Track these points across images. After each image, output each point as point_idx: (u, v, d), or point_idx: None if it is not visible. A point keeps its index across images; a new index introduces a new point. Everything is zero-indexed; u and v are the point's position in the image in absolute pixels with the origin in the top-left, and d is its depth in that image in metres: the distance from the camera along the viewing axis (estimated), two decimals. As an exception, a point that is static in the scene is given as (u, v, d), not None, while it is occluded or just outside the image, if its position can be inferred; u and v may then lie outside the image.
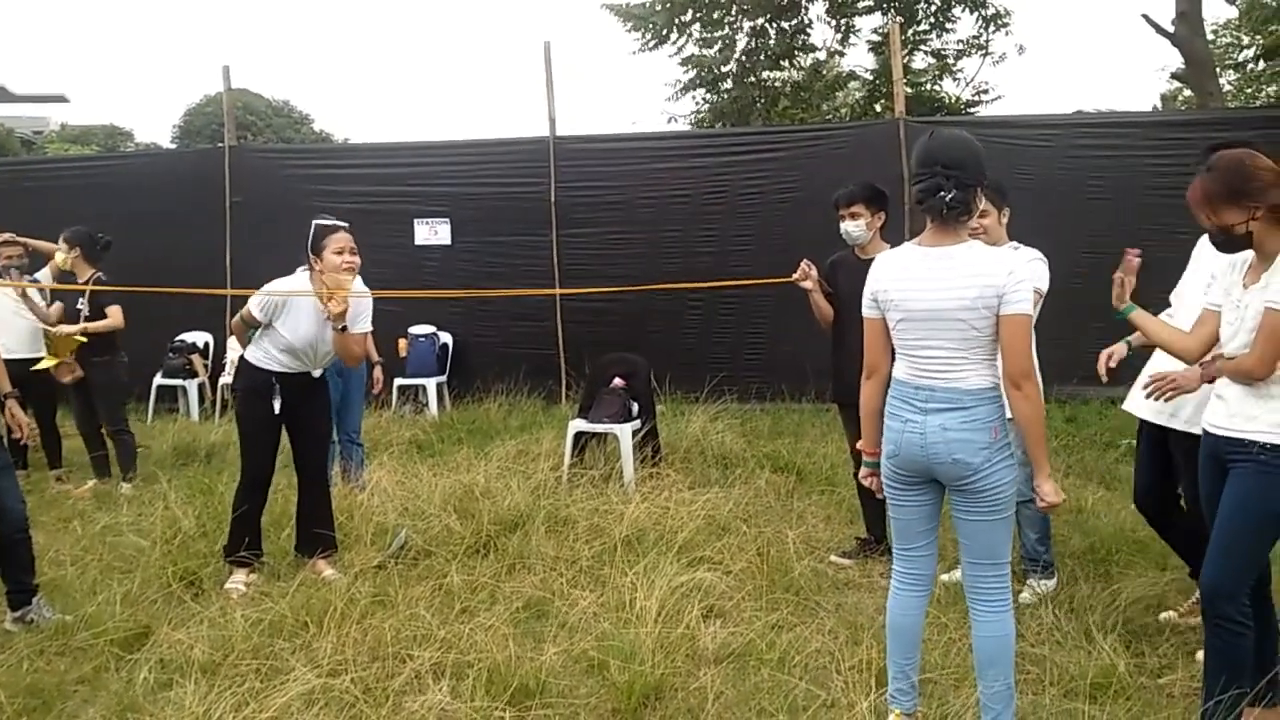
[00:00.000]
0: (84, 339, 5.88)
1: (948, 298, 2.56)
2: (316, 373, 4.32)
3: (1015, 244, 3.99)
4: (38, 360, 5.99)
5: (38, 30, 63.76)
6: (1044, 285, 3.86)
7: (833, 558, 4.47)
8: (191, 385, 8.49)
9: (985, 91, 15.76)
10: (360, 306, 4.25)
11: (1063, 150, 7.79)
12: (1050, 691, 3.05)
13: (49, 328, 5.90)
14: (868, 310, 2.75)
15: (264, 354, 4.23)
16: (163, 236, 8.63)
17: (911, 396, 2.64)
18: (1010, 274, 2.52)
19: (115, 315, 5.96)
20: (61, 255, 6.02)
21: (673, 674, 3.19)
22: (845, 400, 4.47)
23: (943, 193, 2.54)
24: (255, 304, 4.18)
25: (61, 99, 30.06)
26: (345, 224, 4.22)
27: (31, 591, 3.81)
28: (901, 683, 2.82)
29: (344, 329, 4.08)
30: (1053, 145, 7.88)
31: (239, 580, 4.16)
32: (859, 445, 2.91)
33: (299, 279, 4.24)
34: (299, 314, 4.15)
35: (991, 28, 15.06)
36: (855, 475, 4.53)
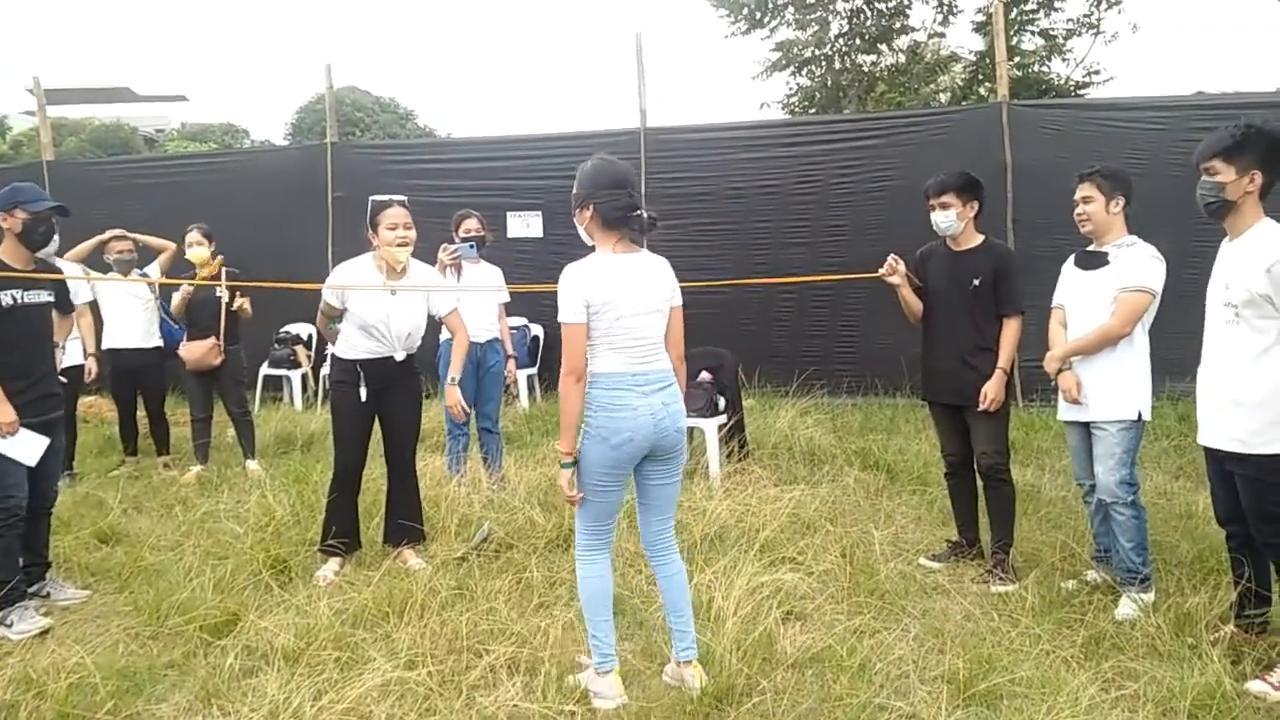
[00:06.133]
0: (248, 314, 6.40)
1: (654, 295, 2.99)
2: (399, 356, 4.38)
3: (1133, 238, 3.77)
4: (151, 350, 6.35)
5: (161, 33, 67.03)
6: (1156, 285, 3.65)
7: (922, 560, 4.32)
8: (295, 375, 8.80)
9: (1096, 72, 15.09)
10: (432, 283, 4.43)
11: (1178, 134, 7.18)
12: (1146, 709, 2.86)
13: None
14: (576, 316, 2.89)
15: (347, 343, 4.37)
16: (270, 230, 8.92)
17: (633, 383, 2.94)
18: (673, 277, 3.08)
19: (247, 306, 6.42)
20: (201, 249, 6.26)
21: (748, 677, 3.12)
22: (936, 398, 4.31)
23: (640, 211, 2.94)
24: (327, 292, 4.33)
25: (182, 99, 31.45)
26: (401, 198, 4.34)
27: (45, 567, 4.18)
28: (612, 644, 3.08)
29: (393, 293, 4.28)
30: (1167, 129, 7.32)
31: (329, 569, 4.26)
32: (561, 449, 2.98)
33: (361, 259, 4.39)
34: (364, 290, 4.29)
35: (1103, 5, 14.40)
36: (946, 475, 4.41)
